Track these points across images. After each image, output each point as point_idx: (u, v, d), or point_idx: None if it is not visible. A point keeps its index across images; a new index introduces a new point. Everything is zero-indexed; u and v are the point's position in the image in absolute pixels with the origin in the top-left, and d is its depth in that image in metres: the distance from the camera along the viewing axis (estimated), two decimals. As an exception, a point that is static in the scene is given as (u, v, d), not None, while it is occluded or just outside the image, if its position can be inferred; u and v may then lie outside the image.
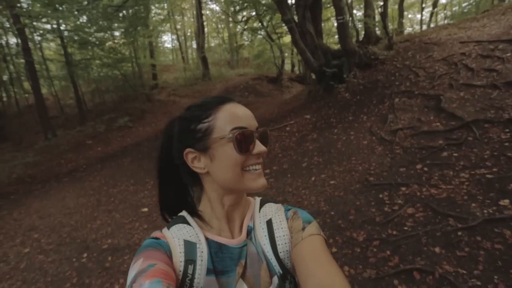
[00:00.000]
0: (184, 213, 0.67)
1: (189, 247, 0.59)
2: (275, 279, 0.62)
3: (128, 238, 3.77)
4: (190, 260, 0.58)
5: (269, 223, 0.67)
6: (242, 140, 0.58)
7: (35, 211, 5.34)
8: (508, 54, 4.96)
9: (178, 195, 0.69)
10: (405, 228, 2.54)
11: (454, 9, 21.63)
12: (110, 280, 2.94)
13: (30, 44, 11.03)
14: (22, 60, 11.29)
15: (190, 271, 0.57)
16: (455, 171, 3.06)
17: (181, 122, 0.64)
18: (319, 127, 5.99)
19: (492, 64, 4.96)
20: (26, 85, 13.85)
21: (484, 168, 2.91)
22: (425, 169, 3.31)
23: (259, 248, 0.64)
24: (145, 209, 4.68)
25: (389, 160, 3.83)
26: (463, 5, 20.04)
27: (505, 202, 2.38)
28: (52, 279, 3.14)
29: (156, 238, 0.60)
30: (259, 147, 0.60)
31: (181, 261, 0.57)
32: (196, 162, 0.62)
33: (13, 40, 13.33)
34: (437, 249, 2.20)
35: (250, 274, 0.61)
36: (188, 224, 0.64)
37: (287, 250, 0.64)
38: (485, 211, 2.37)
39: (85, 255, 3.53)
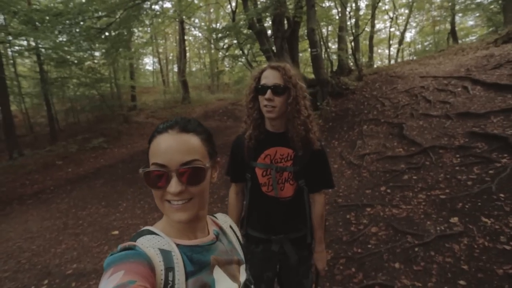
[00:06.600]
0: (146, 227, 0.68)
1: (165, 255, 0.60)
2: (243, 267, 0.79)
3: (96, 262, 3.60)
4: (169, 267, 0.59)
5: (231, 228, 0.87)
6: (149, 177, 0.61)
7: (-8, 236, 4.95)
8: (459, 89, 5.58)
9: None
10: (369, 246, 2.69)
11: (417, 46, 24.01)
12: (72, 306, 2.78)
13: (3, 59, 10.71)
14: (-8, 76, 10.85)
15: (170, 278, 0.58)
16: (414, 193, 3.32)
17: None
18: (294, 151, 6.20)
19: (446, 97, 5.54)
20: (-6, 101, 13.18)
21: (439, 190, 3.19)
22: (388, 191, 3.56)
23: (228, 245, 0.77)
24: (116, 232, 4.51)
25: (357, 182, 4.07)
26: (425, 43, 22.33)
27: (455, 219, 2.62)
28: (6, 309, 2.92)
29: (132, 248, 0.58)
30: (172, 187, 0.60)
31: (161, 270, 0.58)
32: None
33: (-16, 56, 12.88)
34: (396, 265, 2.35)
35: (224, 262, 0.72)
36: (156, 234, 0.65)
37: None
38: (438, 228, 2.60)
39: (45, 281, 3.31)
